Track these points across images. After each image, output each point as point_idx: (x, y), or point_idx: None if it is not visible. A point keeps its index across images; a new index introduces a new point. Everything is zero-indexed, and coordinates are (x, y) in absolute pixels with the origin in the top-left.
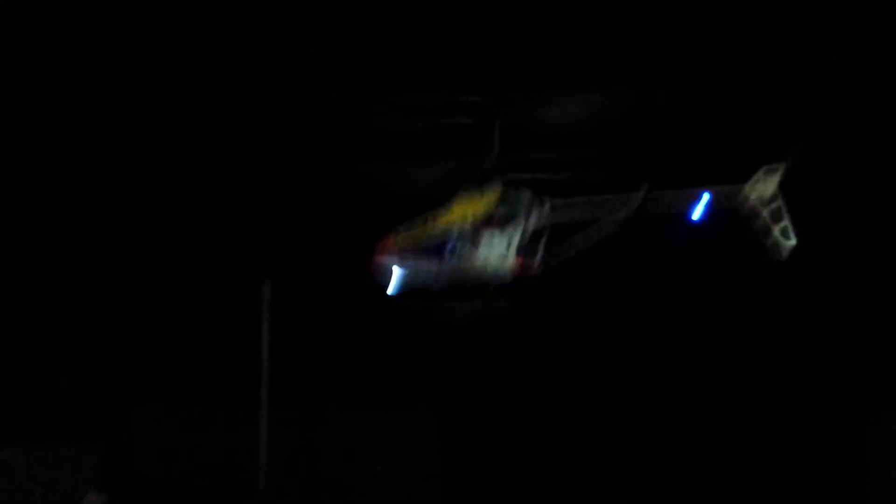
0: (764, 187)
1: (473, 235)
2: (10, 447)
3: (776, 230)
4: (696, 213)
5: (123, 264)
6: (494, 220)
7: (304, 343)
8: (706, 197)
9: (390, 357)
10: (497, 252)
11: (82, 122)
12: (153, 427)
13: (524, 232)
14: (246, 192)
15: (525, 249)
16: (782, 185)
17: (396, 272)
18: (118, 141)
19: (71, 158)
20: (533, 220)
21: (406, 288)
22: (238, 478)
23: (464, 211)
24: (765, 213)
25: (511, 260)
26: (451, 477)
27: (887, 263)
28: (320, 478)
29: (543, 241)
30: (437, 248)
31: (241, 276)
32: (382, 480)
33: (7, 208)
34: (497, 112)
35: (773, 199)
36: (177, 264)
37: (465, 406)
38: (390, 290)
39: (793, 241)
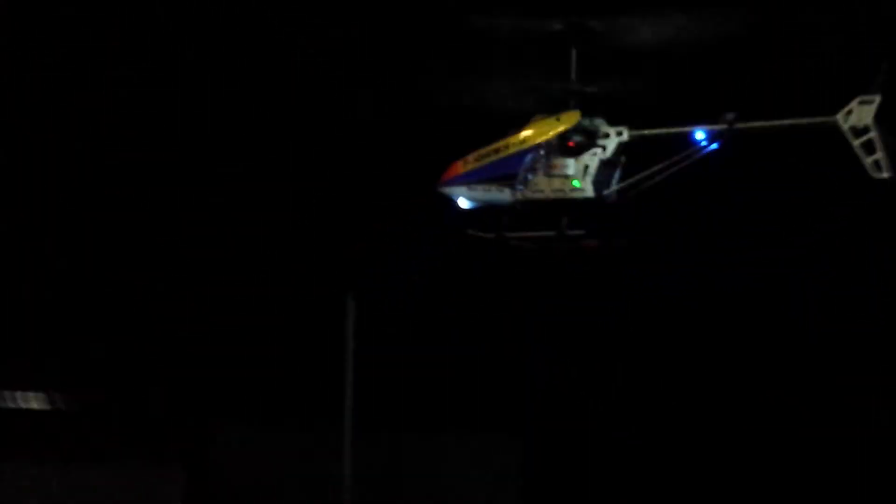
0: (857, 118)
1: (547, 161)
2: (94, 469)
3: (868, 162)
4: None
5: (204, 286)
6: (570, 147)
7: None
8: None
9: (469, 376)
10: (571, 179)
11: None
12: (236, 450)
13: (599, 160)
14: (327, 204)
15: (600, 179)
16: (877, 117)
17: (462, 199)
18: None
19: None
20: (610, 149)
21: (476, 208)
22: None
23: (538, 135)
24: (857, 144)
25: (587, 188)
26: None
27: None
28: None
29: (619, 171)
30: (506, 168)
31: (324, 292)
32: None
33: (93, 228)
34: (575, 38)
35: (865, 130)
36: (259, 285)
37: (544, 428)
38: (463, 207)
39: (885, 174)
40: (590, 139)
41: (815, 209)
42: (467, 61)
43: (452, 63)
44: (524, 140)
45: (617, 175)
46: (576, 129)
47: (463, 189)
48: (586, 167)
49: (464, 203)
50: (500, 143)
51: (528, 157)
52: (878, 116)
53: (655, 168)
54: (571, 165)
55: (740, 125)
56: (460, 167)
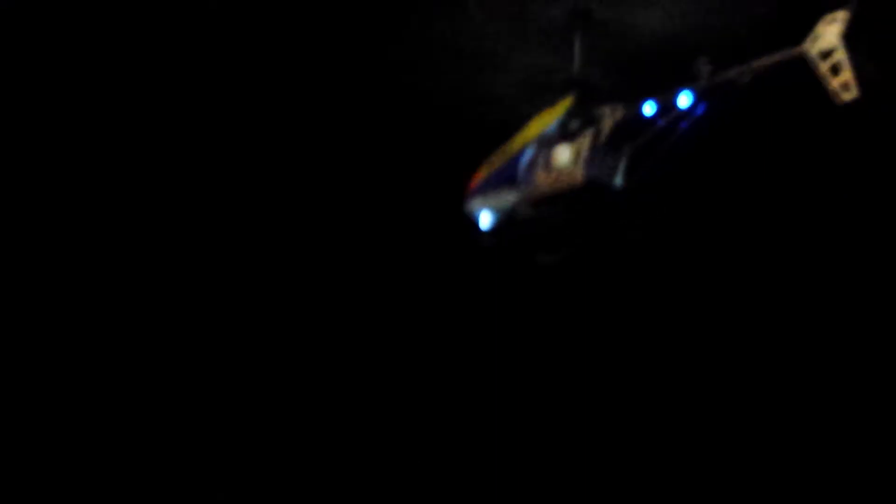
0: (824, 40)
1: (545, 150)
2: None
3: (835, 85)
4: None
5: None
6: (565, 133)
7: None
8: None
9: None
10: (567, 164)
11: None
12: None
13: (596, 142)
14: None
15: (600, 161)
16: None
17: (484, 212)
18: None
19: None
20: (605, 130)
21: (497, 222)
22: None
23: (536, 128)
24: (824, 69)
25: (579, 172)
26: None
27: None
28: None
29: (625, 157)
30: (512, 169)
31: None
32: None
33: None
34: (578, 24)
35: (831, 51)
36: None
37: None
38: (485, 227)
39: (851, 95)
40: (586, 122)
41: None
42: (468, 49)
43: (452, 53)
44: (525, 135)
45: (624, 160)
46: (570, 114)
47: (481, 199)
48: (579, 149)
49: (486, 219)
50: (506, 144)
51: (528, 153)
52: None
53: (640, 141)
54: (566, 151)
55: (717, 78)
56: (477, 177)
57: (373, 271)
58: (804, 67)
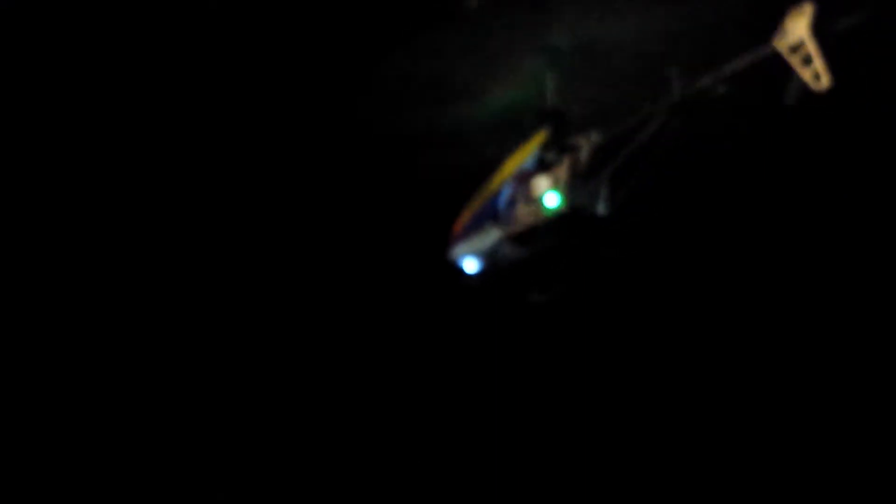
0: (792, 35)
1: (523, 185)
2: None
3: (807, 76)
4: None
5: None
6: (542, 165)
7: None
8: None
9: None
10: (547, 194)
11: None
12: None
13: (575, 169)
14: None
15: (581, 188)
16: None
17: (468, 258)
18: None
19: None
20: (584, 156)
21: (482, 266)
22: None
23: (512, 165)
24: (794, 60)
25: (561, 202)
26: None
27: None
28: None
29: (606, 183)
30: (492, 209)
31: None
32: None
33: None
34: (550, 60)
35: (800, 44)
36: None
37: None
38: (471, 272)
39: (824, 84)
40: (563, 151)
41: None
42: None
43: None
44: (502, 174)
45: (604, 188)
46: (546, 146)
47: (463, 245)
48: (558, 179)
49: (470, 265)
50: (484, 186)
51: (507, 191)
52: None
53: (620, 162)
54: (545, 181)
55: (690, 90)
56: (457, 226)
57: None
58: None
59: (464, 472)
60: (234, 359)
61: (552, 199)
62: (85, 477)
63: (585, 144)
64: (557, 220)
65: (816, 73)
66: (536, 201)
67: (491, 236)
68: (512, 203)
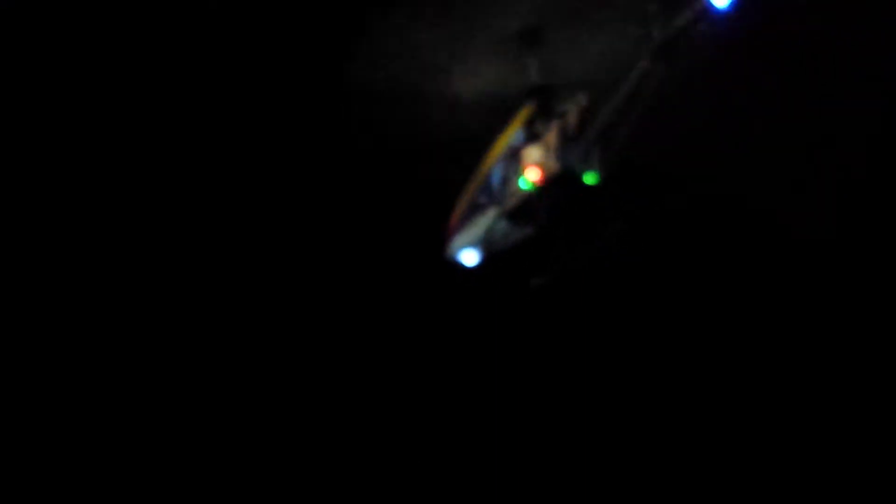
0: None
1: (514, 161)
2: None
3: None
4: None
5: None
6: (532, 137)
7: None
8: None
9: None
10: (539, 160)
11: None
12: None
13: (565, 132)
14: None
15: (572, 149)
16: None
17: (467, 251)
18: None
19: None
20: (573, 119)
21: (481, 256)
22: None
23: (500, 144)
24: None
25: (553, 163)
26: None
27: None
28: None
29: (595, 138)
30: (486, 192)
31: None
32: None
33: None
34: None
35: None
36: None
37: None
38: (470, 265)
39: None
40: (551, 120)
41: None
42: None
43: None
44: (492, 156)
45: (596, 148)
46: (533, 118)
47: (461, 237)
48: (549, 146)
49: (469, 257)
50: (475, 173)
51: (498, 170)
52: None
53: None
54: (536, 150)
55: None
56: (452, 220)
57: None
58: None
59: (463, 465)
60: (229, 358)
61: (533, 174)
62: (85, 477)
63: (573, 108)
64: (552, 187)
65: None
66: (529, 172)
67: (488, 218)
68: (505, 180)
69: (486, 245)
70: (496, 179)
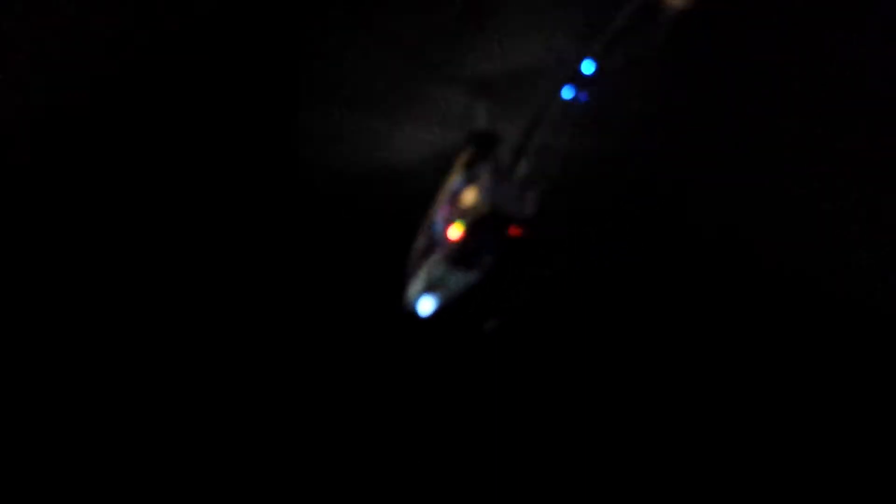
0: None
1: (452, 205)
2: None
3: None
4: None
5: None
6: (469, 181)
7: None
8: None
9: None
10: (472, 204)
11: None
12: None
13: (495, 172)
14: None
15: (502, 189)
16: None
17: (423, 298)
18: None
19: None
20: (503, 158)
21: (440, 302)
22: None
23: (444, 191)
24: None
25: (483, 205)
26: None
27: None
28: None
29: (522, 173)
30: (431, 240)
31: None
32: None
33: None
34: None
35: None
36: None
37: None
38: (425, 314)
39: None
40: (486, 160)
41: None
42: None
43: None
44: (436, 204)
45: (524, 183)
46: (473, 161)
47: (414, 285)
48: (481, 187)
49: (425, 305)
50: (424, 223)
51: (440, 217)
52: None
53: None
54: (470, 193)
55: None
56: (407, 266)
57: None
58: None
59: (463, 465)
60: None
61: (454, 231)
62: (85, 477)
63: (505, 147)
64: (480, 227)
65: None
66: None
67: (431, 264)
68: (444, 226)
69: (441, 292)
70: (438, 227)
